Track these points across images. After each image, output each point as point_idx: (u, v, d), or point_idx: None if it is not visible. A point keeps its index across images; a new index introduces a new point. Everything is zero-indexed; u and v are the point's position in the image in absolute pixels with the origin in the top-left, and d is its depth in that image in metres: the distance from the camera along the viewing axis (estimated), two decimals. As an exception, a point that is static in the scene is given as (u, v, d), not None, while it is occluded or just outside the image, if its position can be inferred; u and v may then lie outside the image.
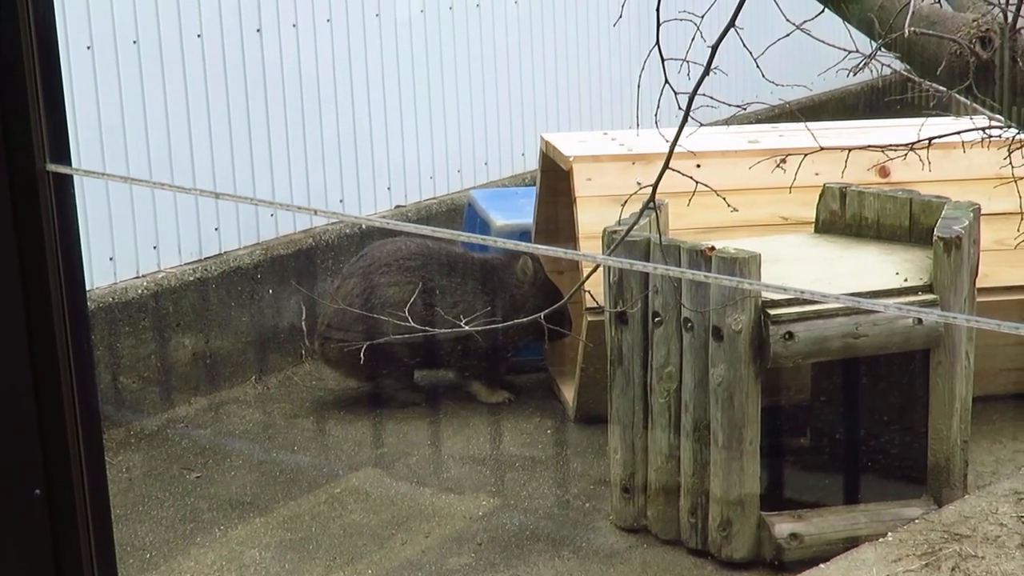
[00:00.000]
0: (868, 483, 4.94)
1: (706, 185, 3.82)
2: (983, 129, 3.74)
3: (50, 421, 1.99)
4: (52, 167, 1.95)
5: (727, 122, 5.14)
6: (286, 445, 5.58)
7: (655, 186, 3.42)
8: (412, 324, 4.57)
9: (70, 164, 1.99)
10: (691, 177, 3.66)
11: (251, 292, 6.25)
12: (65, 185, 1.98)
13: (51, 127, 1.96)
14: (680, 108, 3.19)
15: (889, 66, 3.35)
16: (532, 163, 7.43)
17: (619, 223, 4.57)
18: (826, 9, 3.13)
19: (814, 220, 5.15)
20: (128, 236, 5.84)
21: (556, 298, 5.36)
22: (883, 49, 3.11)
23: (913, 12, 2.93)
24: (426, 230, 5.51)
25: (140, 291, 5.82)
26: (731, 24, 2.99)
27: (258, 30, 6.28)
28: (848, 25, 3.17)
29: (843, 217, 5.07)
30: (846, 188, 5.06)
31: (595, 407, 5.36)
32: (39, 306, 1.97)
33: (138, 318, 5.80)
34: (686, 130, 3.27)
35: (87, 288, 5.31)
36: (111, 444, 5.49)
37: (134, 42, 5.78)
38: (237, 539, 4.82)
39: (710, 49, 3.07)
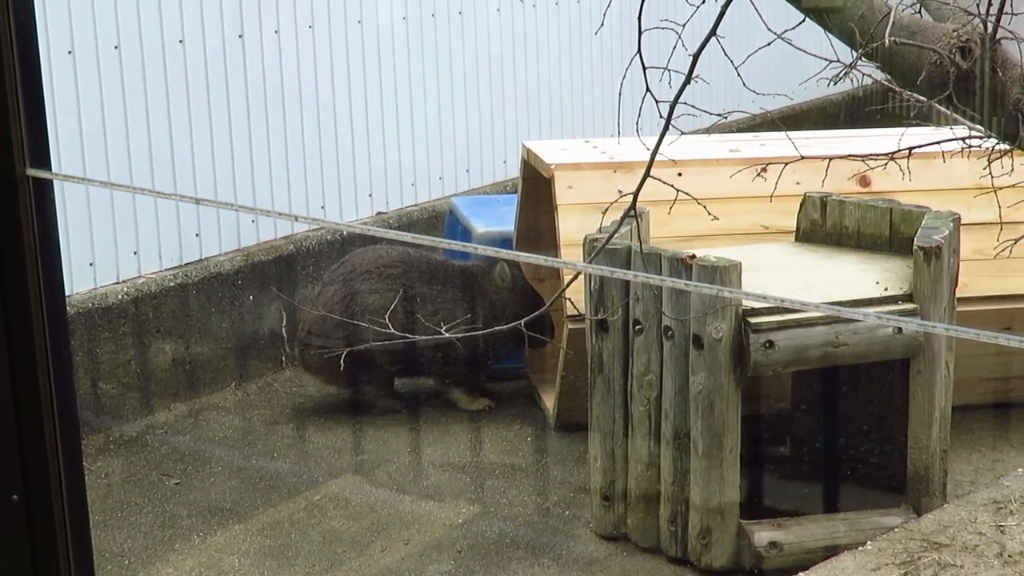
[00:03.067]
0: (848, 492, 4.95)
1: (687, 193, 3.82)
2: (963, 139, 3.75)
3: (28, 426, 1.99)
4: (32, 172, 1.95)
5: (708, 131, 5.14)
6: (266, 452, 5.57)
7: (636, 194, 3.42)
8: (392, 331, 4.57)
9: (50, 169, 1.99)
10: (672, 185, 3.66)
11: (232, 298, 6.24)
12: (45, 190, 1.98)
13: (31, 132, 1.95)
14: (661, 116, 3.19)
15: (870, 76, 3.36)
16: (514, 170, 7.43)
17: (600, 231, 4.57)
18: (807, 18, 3.14)
19: (795, 229, 5.17)
20: (108, 241, 5.82)
21: (536, 304, 5.36)
22: (864, 59, 3.11)
23: (894, 22, 2.94)
24: (407, 237, 5.51)
25: (120, 296, 5.80)
26: (712, 33, 3.00)
27: (240, 36, 6.27)
28: (829, 35, 3.17)
29: (823, 226, 5.08)
30: (827, 197, 5.07)
31: (575, 415, 5.36)
32: (18, 311, 1.96)
33: (118, 324, 5.78)
34: (667, 138, 3.27)
35: (66, 293, 5.30)
36: (90, 450, 5.47)
37: (116, 47, 5.77)
38: (216, 546, 4.80)
39: (691, 58, 3.07)
